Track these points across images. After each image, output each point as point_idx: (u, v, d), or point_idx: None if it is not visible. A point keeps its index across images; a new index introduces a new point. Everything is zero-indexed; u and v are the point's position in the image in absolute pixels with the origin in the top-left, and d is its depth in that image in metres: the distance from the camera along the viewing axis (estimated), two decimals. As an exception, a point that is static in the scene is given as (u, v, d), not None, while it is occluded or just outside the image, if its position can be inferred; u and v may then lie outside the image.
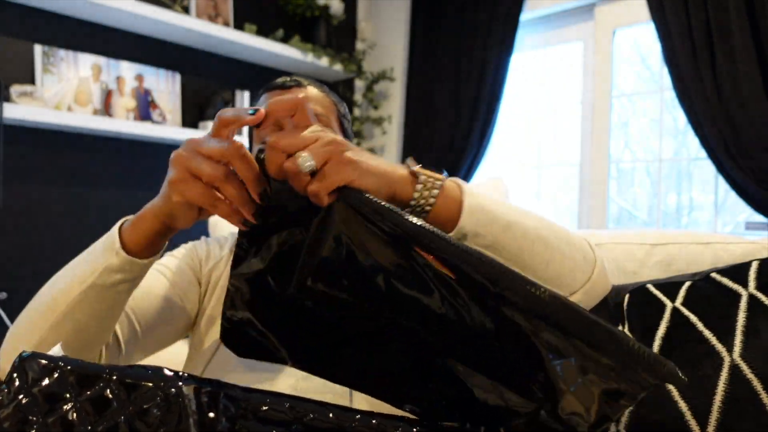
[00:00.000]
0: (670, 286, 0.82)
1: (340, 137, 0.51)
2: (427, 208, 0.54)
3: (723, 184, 1.99)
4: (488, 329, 0.48)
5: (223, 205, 0.51)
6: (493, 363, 0.49)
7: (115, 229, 0.60)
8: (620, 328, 0.82)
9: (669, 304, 0.79)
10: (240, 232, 0.54)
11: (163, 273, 0.81)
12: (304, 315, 0.53)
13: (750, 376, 0.68)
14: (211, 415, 0.43)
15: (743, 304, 0.74)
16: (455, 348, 0.50)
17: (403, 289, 0.49)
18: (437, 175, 0.55)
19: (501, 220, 0.57)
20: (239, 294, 0.54)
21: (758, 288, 0.75)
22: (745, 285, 0.76)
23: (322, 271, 0.51)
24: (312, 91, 0.82)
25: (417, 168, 0.55)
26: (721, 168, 1.92)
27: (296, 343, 0.54)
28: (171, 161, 0.54)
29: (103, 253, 0.60)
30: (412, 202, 0.54)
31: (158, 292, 0.77)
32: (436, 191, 0.54)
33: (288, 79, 0.83)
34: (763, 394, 0.66)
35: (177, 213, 0.54)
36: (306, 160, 0.47)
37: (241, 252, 0.54)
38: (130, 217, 0.60)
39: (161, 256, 0.62)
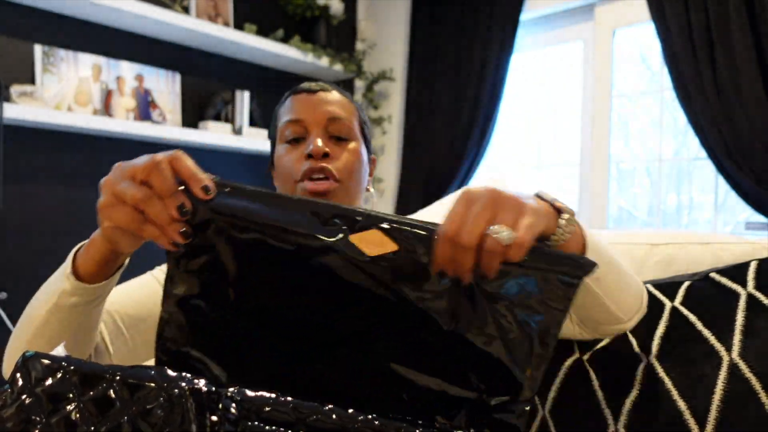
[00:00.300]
0: (669, 286, 0.82)
1: (496, 192, 0.48)
2: (560, 242, 0.53)
3: (723, 184, 1.99)
4: (432, 306, 0.48)
5: (150, 227, 0.49)
6: (433, 354, 0.50)
7: (71, 253, 0.60)
8: None
9: (668, 304, 0.79)
10: (168, 256, 0.52)
11: (156, 277, 0.81)
12: (240, 334, 0.51)
13: (748, 375, 0.68)
14: (214, 418, 0.43)
15: (742, 303, 0.74)
16: (396, 343, 0.50)
17: (338, 290, 0.49)
18: (570, 210, 0.54)
19: (605, 256, 0.59)
20: (173, 321, 0.52)
21: (757, 287, 0.75)
22: (744, 285, 0.76)
23: (250, 284, 0.50)
24: (335, 95, 0.81)
25: (555, 202, 0.54)
26: (721, 168, 1.92)
27: (237, 366, 0.52)
28: (100, 186, 0.52)
29: (60, 277, 0.60)
30: (553, 237, 0.53)
31: (144, 293, 0.76)
32: (573, 227, 0.54)
33: (314, 84, 0.82)
34: (761, 393, 0.66)
35: (114, 238, 0.52)
36: (504, 232, 0.45)
37: (172, 275, 0.52)
38: (85, 242, 0.59)
39: (119, 276, 0.61)
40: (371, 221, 0.47)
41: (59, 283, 0.59)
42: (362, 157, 0.79)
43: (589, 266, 0.48)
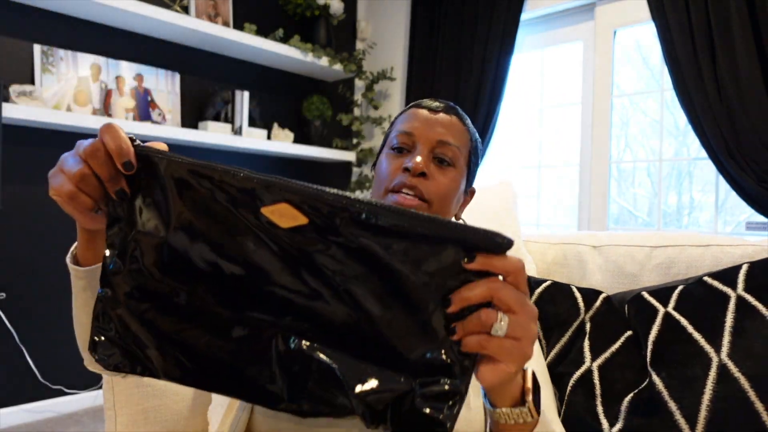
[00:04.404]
0: (663, 292, 0.83)
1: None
2: (501, 422, 0.55)
3: (724, 184, 1.99)
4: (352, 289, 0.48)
5: (72, 203, 0.50)
6: (359, 341, 0.49)
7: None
8: (629, 333, 0.83)
9: (661, 310, 0.80)
10: (108, 239, 0.52)
11: None
12: (171, 317, 0.51)
13: (737, 375, 0.68)
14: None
15: (732, 305, 0.75)
16: (317, 328, 0.50)
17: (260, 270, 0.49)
18: (534, 412, 0.55)
19: None
20: (111, 300, 0.52)
21: (746, 290, 0.75)
22: (734, 287, 0.76)
23: (173, 263, 0.50)
24: (454, 120, 0.80)
25: (530, 397, 0.55)
26: (722, 168, 1.91)
27: (168, 352, 0.51)
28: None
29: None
30: (497, 411, 0.54)
31: None
32: (521, 422, 0.54)
33: (439, 103, 0.81)
34: (750, 393, 0.67)
35: (67, 209, 0.52)
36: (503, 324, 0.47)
37: (109, 254, 0.52)
38: None
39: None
40: (282, 194, 0.47)
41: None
42: (459, 187, 0.78)
43: (505, 243, 0.47)
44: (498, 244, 0.46)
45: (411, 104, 0.83)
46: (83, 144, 0.51)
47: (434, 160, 0.77)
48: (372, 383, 0.49)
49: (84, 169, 0.49)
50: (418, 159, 0.74)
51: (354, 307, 0.49)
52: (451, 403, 0.48)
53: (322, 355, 0.50)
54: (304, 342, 0.50)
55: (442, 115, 0.79)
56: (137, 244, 0.51)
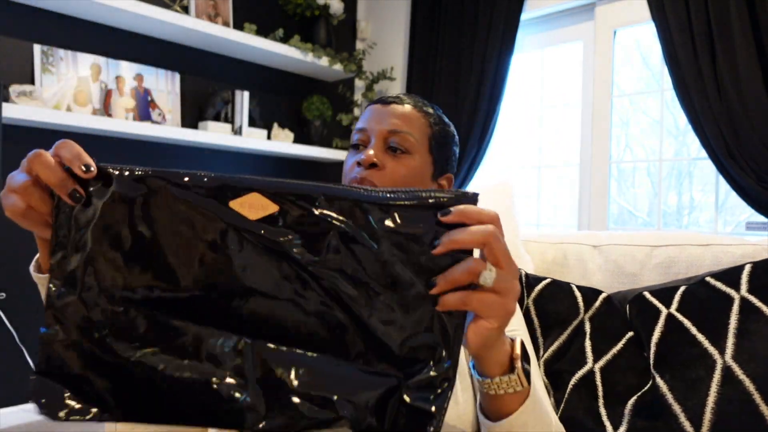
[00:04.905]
0: (665, 292, 0.82)
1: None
2: (491, 393, 0.54)
3: (724, 184, 1.99)
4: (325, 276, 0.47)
5: (27, 220, 0.48)
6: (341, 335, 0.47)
7: None
8: (630, 334, 0.83)
9: (664, 311, 0.80)
10: (53, 251, 0.48)
11: None
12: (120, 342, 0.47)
13: (742, 377, 0.68)
14: None
15: (735, 307, 0.74)
16: (289, 330, 0.48)
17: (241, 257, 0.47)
18: (524, 380, 0.54)
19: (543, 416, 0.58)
20: (60, 337, 0.47)
21: (750, 291, 0.75)
22: (737, 288, 0.76)
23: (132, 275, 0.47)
24: (406, 108, 0.79)
25: (519, 363, 0.54)
26: (722, 168, 1.91)
27: (127, 389, 0.47)
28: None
29: None
30: (486, 381, 0.53)
31: None
32: (511, 391, 0.54)
33: (392, 96, 0.82)
34: (755, 395, 0.66)
35: (24, 225, 0.51)
36: (490, 275, 0.47)
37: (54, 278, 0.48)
38: None
39: None
40: (245, 184, 0.46)
41: None
42: (416, 172, 0.77)
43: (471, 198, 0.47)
44: (468, 197, 0.46)
45: (367, 105, 0.84)
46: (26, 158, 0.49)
47: (388, 150, 0.77)
48: (357, 383, 0.47)
49: (29, 181, 0.48)
50: (370, 152, 0.75)
51: (332, 297, 0.47)
52: (439, 391, 0.46)
53: (300, 361, 0.47)
54: (281, 348, 0.47)
55: (393, 106, 0.79)
56: (91, 266, 0.47)
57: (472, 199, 0.47)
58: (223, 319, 0.47)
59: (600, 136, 2.40)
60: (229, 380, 0.47)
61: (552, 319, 0.88)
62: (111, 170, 0.48)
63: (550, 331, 0.87)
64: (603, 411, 0.75)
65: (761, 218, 1.92)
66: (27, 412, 2.04)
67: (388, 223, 0.46)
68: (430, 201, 0.46)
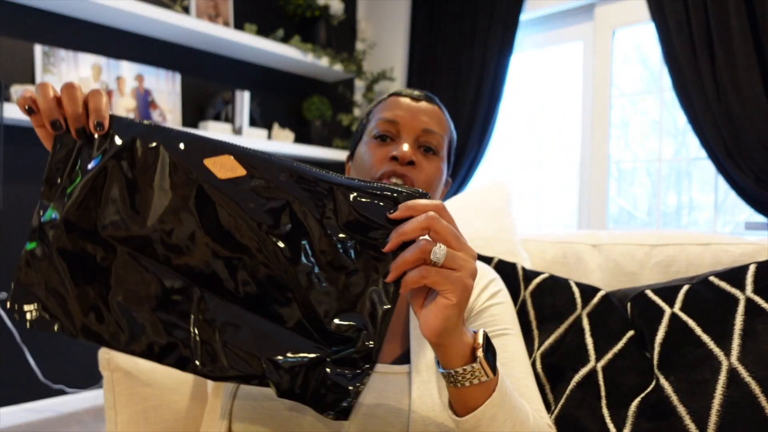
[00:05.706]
0: (668, 291, 0.82)
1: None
2: (457, 386, 0.54)
3: (723, 184, 1.99)
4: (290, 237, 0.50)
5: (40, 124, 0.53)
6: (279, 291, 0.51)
7: None
8: (631, 332, 0.82)
9: (668, 310, 0.79)
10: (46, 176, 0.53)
11: None
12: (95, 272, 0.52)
13: (748, 379, 0.68)
14: None
15: (741, 307, 0.74)
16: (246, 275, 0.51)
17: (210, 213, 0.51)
18: (488, 370, 0.53)
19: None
20: (40, 253, 0.52)
21: (755, 291, 0.74)
22: (742, 288, 0.75)
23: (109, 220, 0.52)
24: (436, 109, 0.79)
25: (480, 353, 0.53)
26: (721, 168, 1.92)
27: (89, 310, 0.52)
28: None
29: None
30: (449, 371, 0.53)
31: None
32: (476, 382, 0.53)
33: (419, 92, 0.80)
34: (761, 398, 0.66)
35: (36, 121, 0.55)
36: (441, 252, 0.49)
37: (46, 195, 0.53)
38: None
39: None
40: (224, 147, 0.51)
41: None
42: (442, 176, 0.77)
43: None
44: (420, 193, 0.50)
45: (389, 93, 0.82)
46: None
47: (420, 149, 0.75)
48: (287, 348, 0.50)
49: (55, 98, 0.52)
50: (406, 147, 0.72)
51: (279, 264, 0.50)
52: (358, 371, 0.49)
53: (239, 316, 0.50)
54: (227, 303, 0.51)
55: (424, 104, 0.78)
56: (77, 197, 0.51)
57: (424, 196, 0.51)
58: (179, 264, 0.51)
59: (599, 136, 2.40)
60: (174, 320, 0.51)
61: (548, 312, 0.87)
62: (118, 138, 0.52)
63: (548, 323, 0.86)
64: (606, 412, 0.75)
65: (760, 218, 1.92)
66: (27, 411, 2.04)
67: (344, 207, 0.50)
68: (386, 194, 0.50)
